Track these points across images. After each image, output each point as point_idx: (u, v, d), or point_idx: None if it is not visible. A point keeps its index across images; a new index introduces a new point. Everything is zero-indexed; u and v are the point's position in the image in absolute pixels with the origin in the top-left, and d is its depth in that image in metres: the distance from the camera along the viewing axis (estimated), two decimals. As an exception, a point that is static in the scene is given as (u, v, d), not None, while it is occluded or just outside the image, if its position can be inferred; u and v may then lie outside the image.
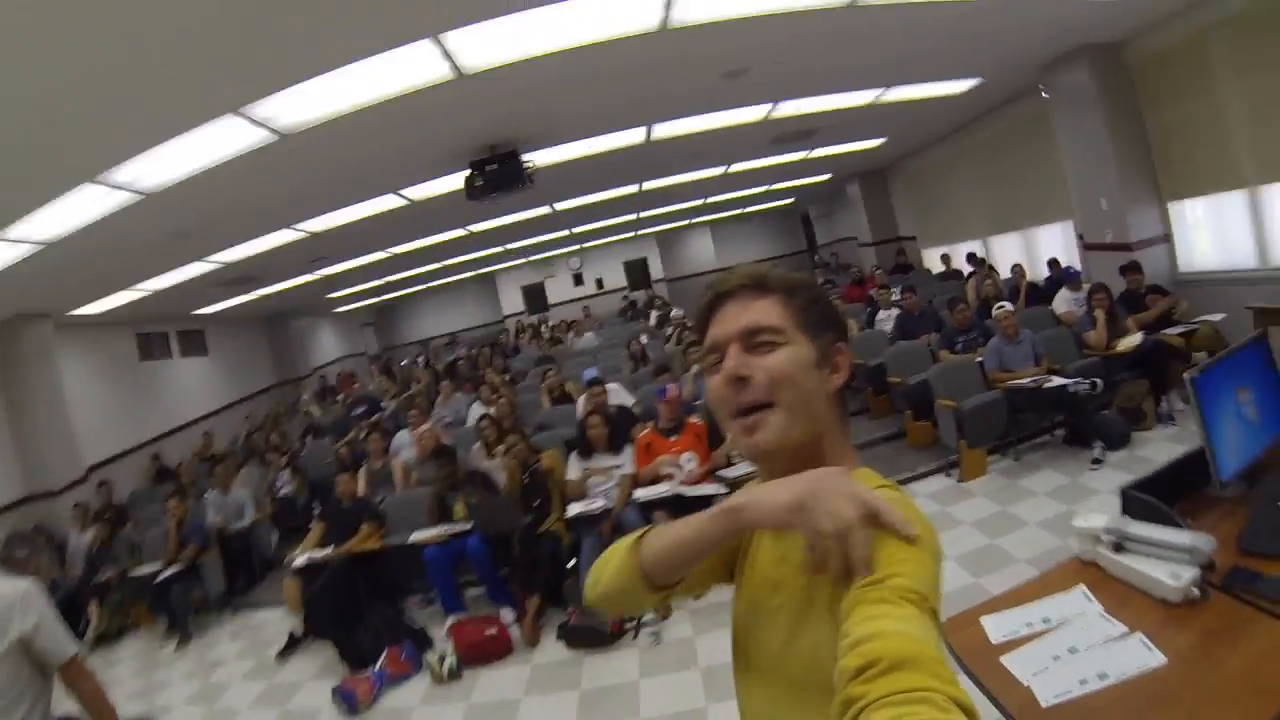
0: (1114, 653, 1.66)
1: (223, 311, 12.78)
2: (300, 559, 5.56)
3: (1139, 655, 1.63)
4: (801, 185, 15.37)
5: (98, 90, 3.92)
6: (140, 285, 8.98)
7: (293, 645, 5.40)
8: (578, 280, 20.44)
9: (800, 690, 0.92)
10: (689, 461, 5.37)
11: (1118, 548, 1.97)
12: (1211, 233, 7.54)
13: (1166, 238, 7.85)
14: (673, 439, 5.52)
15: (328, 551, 5.58)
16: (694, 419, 5.71)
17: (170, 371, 12.32)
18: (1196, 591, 1.77)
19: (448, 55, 4.65)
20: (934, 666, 0.64)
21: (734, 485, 5.12)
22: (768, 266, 1.09)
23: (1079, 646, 1.71)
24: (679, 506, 5.03)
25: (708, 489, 5.13)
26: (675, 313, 13.87)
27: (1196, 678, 1.55)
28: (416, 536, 5.46)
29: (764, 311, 1.01)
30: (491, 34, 4.51)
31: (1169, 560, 1.86)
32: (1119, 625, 1.76)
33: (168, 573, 6.34)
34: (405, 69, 4.74)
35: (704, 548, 0.97)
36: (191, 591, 6.38)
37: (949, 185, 12.59)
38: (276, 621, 6.02)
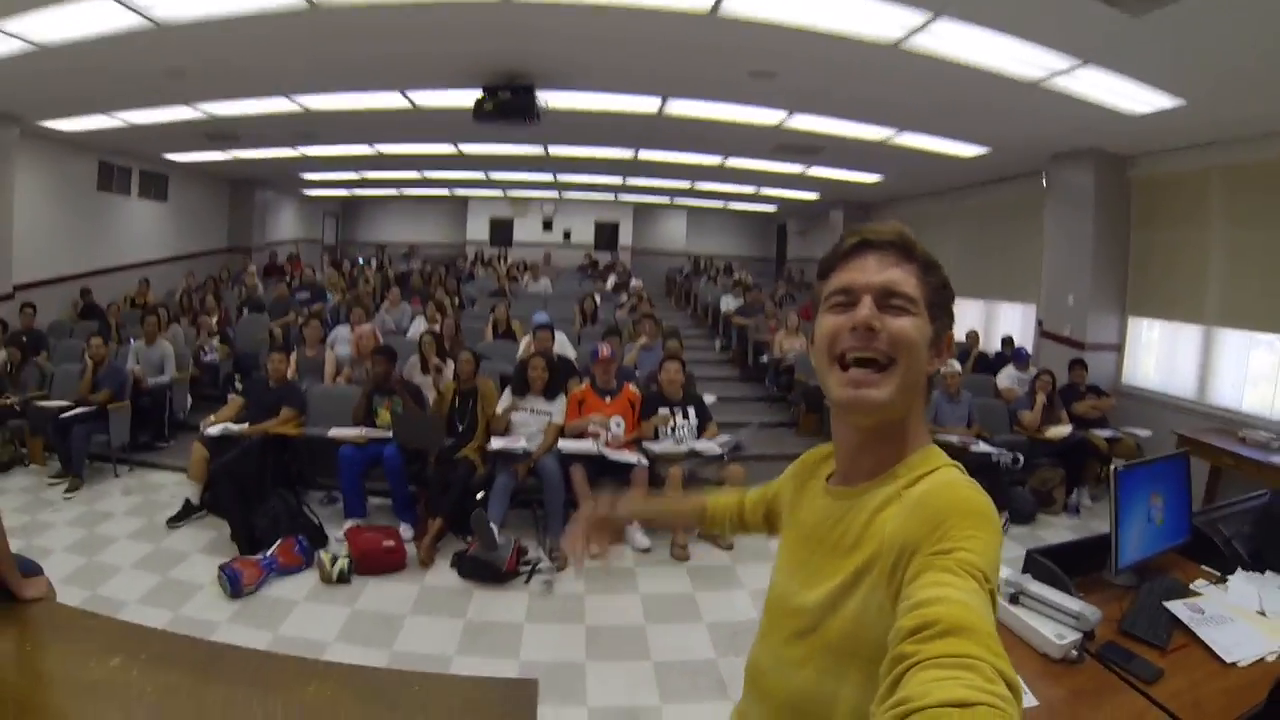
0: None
1: (192, 163, 12.41)
2: (215, 428, 5.47)
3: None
4: (788, 198, 15.54)
5: None
6: (119, 114, 8.66)
7: (186, 514, 5.31)
8: (547, 226, 20.41)
9: (835, 656, 0.93)
10: (618, 426, 5.50)
11: (1013, 600, 2.12)
12: (1160, 355, 7.94)
13: (1119, 347, 8.23)
14: (607, 400, 5.62)
15: (244, 427, 5.50)
16: (631, 386, 5.81)
17: (124, 209, 11.92)
18: (1075, 653, 1.95)
19: None
20: (987, 639, 0.66)
21: (655, 459, 5.31)
22: (912, 232, 1.08)
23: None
24: (599, 467, 5.13)
25: (628, 456, 5.27)
26: (635, 283, 13.92)
27: None
28: (336, 432, 5.46)
29: (905, 276, 1.01)
30: None
31: (1057, 621, 2.02)
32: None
33: (74, 411, 6.11)
34: None
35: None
36: (94, 437, 6.14)
37: (929, 239, 12.19)
38: (174, 486, 5.93)
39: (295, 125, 9.28)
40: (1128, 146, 7.62)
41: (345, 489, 5.36)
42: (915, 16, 4.80)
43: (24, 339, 7.55)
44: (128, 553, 4.79)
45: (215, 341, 8.42)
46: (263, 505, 4.95)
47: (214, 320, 8.83)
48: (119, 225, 11.85)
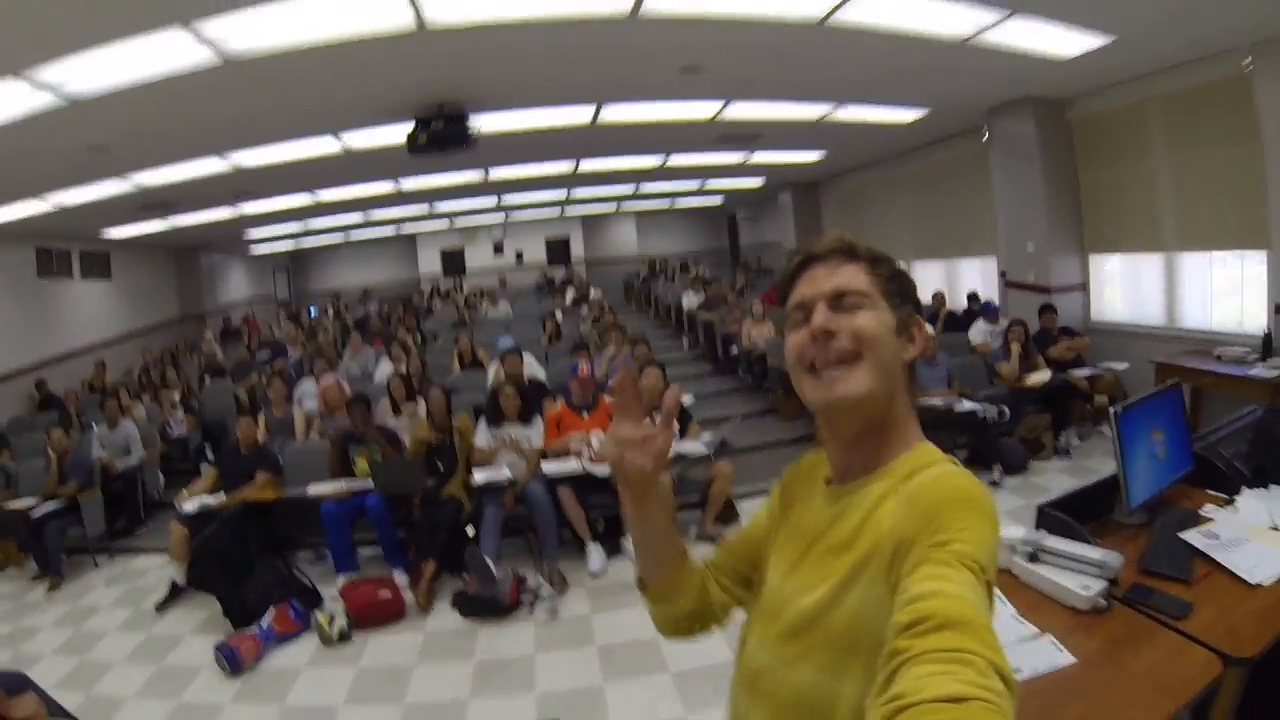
0: (1027, 651, 1.75)
1: (132, 237, 12.10)
2: (190, 503, 5.31)
3: (1050, 654, 1.73)
4: (734, 189, 15.58)
5: None
6: (50, 196, 8.44)
7: (174, 596, 5.16)
8: (498, 250, 20.42)
9: (836, 652, 0.92)
10: (599, 440, 5.39)
11: (1032, 558, 2.07)
12: (1125, 288, 8.02)
13: (1084, 286, 8.30)
14: (585, 416, 5.53)
15: (220, 498, 5.35)
16: (607, 398, 5.73)
17: (68, 292, 11.64)
18: (1103, 601, 1.90)
19: (414, 4, 4.53)
20: (982, 633, 0.65)
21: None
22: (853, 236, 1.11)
23: (994, 643, 1.79)
24: (587, 484, 5.04)
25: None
26: (594, 294, 13.87)
27: (1104, 676, 1.67)
28: (315, 489, 5.31)
29: (851, 275, 1.03)
30: None
31: (1079, 572, 1.98)
32: (1030, 627, 1.85)
33: (45, 508, 5.93)
34: (369, 12, 4.61)
35: (637, 525, 1.12)
36: (68, 531, 5.97)
37: (880, 207, 12.92)
38: (157, 569, 5.74)
39: (229, 183, 9.10)
40: (1063, 89, 7.67)
41: (333, 545, 5.25)
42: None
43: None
44: (119, 646, 4.63)
45: (180, 414, 8.23)
46: (251, 575, 4.80)
47: (176, 393, 8.65)
48: (65, 310, 11.57)
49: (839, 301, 1.01)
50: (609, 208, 18.44)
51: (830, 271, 1.05)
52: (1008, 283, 8.94)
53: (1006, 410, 5.94)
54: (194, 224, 11.76)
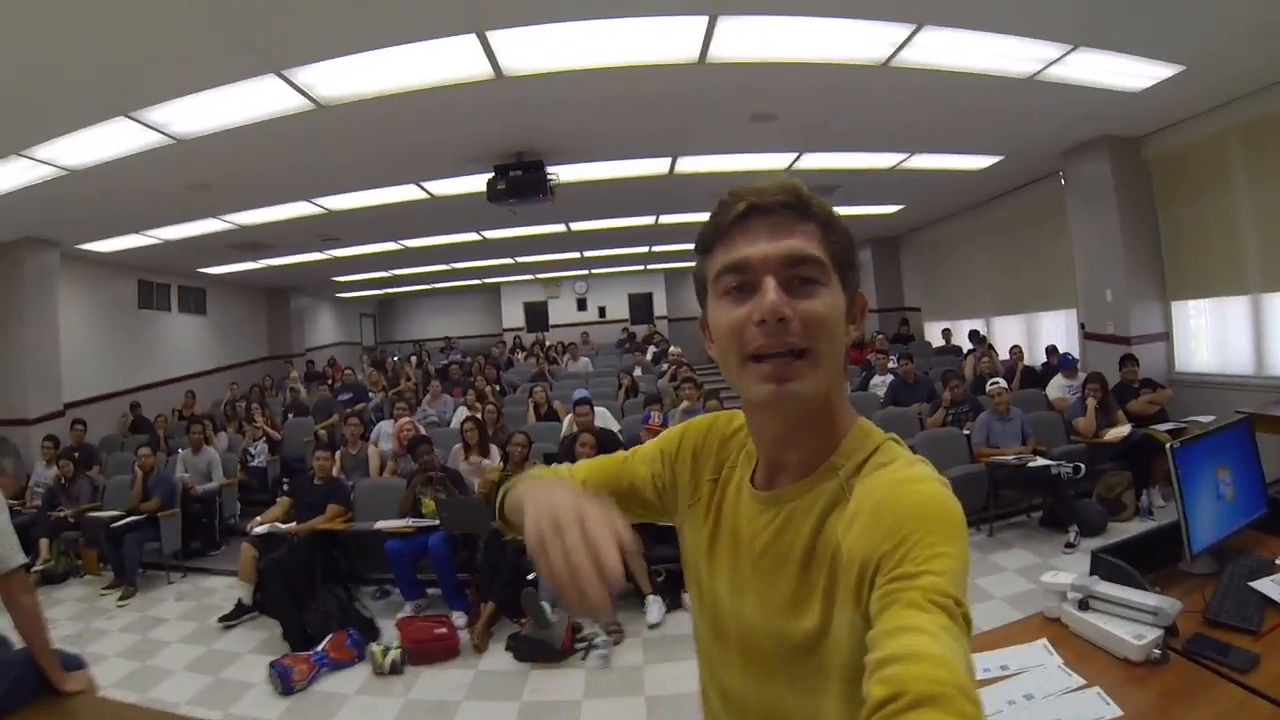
0: (1070, 703, 1.64)
1: (227, 275, 12.84)
2: (262, 527, 5.47)
3: (1095, 707, 1.61)
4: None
5: (149, 25, 3.95)
6: (152, 232, 9.01)
7: (238, 614, 5.28)
8: (581, 305, 20.50)
9: (813, 674, 0.85)
10: None
11: (1083, 605, 1.96)
12: (1210, 335, 7.62)
13: (1166, 335, 7.93)
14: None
15: (291, 525, 5.48)
16: (713, 408, 5.71)
17: (166, 324, 12.32)
18: (1158, 652, 1.77)
19: (490, 54, 4.75)
20: (961, 703, 0.60)
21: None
22: (798, 180, 0.91)
23: (1035, 694, 1.69)
24: (652, 535, 4.98)
25: None
26: (673, 350, 13.90)
27: None
28: (381, 525, 5.40)
29: (805, 241, 0.87)
30: (536, 40, 4.62)
31: (1133, 620, 1.85)
32: (1078, 678, 1.74)
33: (126, 521, 6.20)
34: (448, 61, 4.84)
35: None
36: (146, 545, 6.21)
37: (958, 261, 12.70)
38: (226, 590, 5.87)
39: (319, 228, 9.57)
40: (1137, 126, 7.43)
41: (398, 579, 5.33)
42: (898, 31, 4.82)
43: (75, 454, 7.68)
44: (179, 656, 4.77)
45: (262, 446, 8.51)
46: (314, 602, 4.90)
47: (260, 426, 8.94)
48: (162, 340, 12.23)
49: (791, 273, 0.86)
50: (691, 263, 18.37)
51: (779, 229, 0.87)
52: (1086, 335, 8.62)
53: (1083, 466, 5.67)
54: (285, 264, 12.35)
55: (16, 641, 2.40)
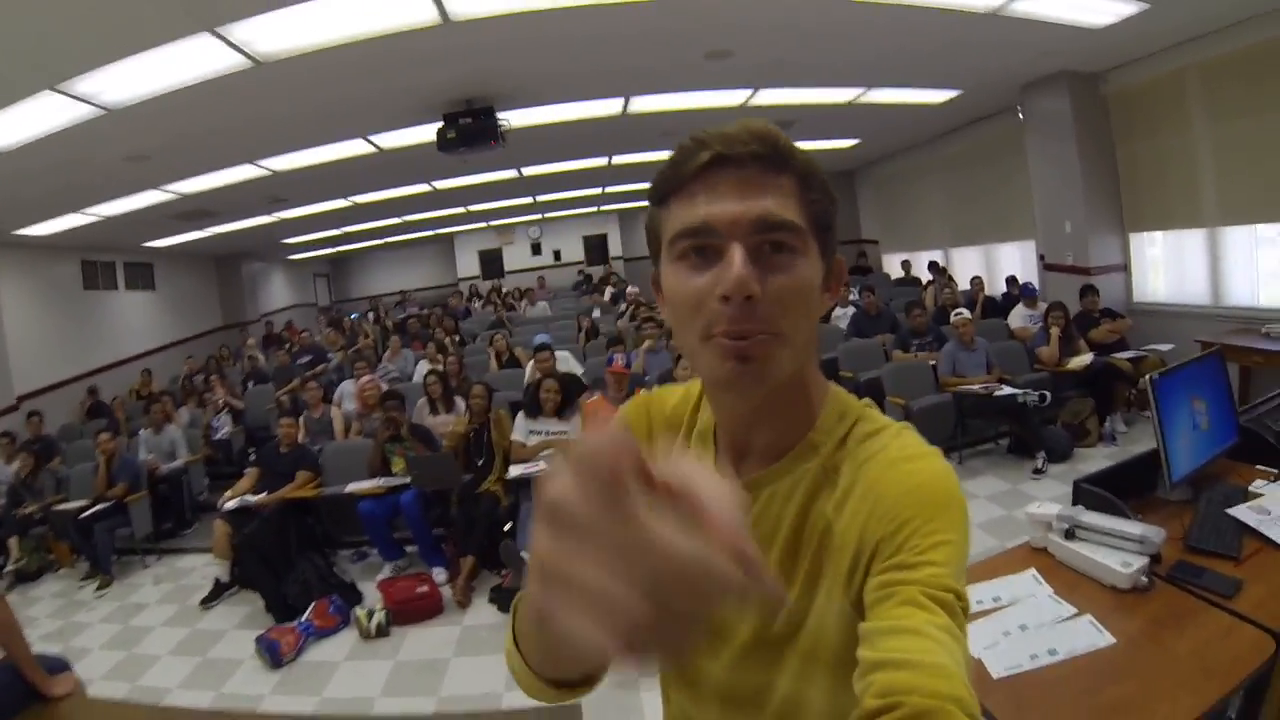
0: (1064, 632, 1.69)
1: (174, 246, 12.40)
2: (232, 501, 5.41)
3: (1089, 635, 1.66)
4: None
5: None
6: (91, 209, 8.66)
7: (218, 592, 5.24)
8: (535, 250, 20.34)
9: (798, 660, 0.79)
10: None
11: (1069, 535, 2.01)
12: (1167, 266, 7.80)
13: (1125, 267, 8.10)
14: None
15: (261, 497, 5.43)
16: (643, 392, 5.69)
17: (114, 304, 11.95)
18: (1145, 579, 1.83)
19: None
20: (955, 714, 0.57)
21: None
22: (774, 126, 0.78)
23: (1029, 624, 1.74)
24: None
25: None
26: (631, 290, 13.89)
27: (1145, 658, 1.60)
28: (352, 487, 5.37)
29: (781, 200, 0.75)
30: None
31: (1119, 549, 1.91)
32: (1069, 607, 1.79)
33: (94, 509, 6.06)
34: (391, 7, 4.65)
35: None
36: (117, 532, 6.10)
37: (916, 194, 12.76)
38: (202, 567, 5.83)
39: (265, 189, 9.26)
40: (1097, 62, 7.47)
41: (375, 541, 5.32)
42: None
43: (35, 447, 7.48)
44: (164, 640, 4.73)
45: (224, 418, 8.36)
46: (292, 572, 4.88)
47: (220, 398, 8.78)
48: (111, 320, 11.87)
49: (761, 239, 0.74)
50: (645, 202, 18.20)
51: (749, 186, 0.75)
52: (1046, 265, 8.76)
53: (1048, 395, 5.82)
54: (233, 231, 11.98)
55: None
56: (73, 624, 5.21)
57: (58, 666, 2.41)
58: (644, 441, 0.86)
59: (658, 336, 7.69)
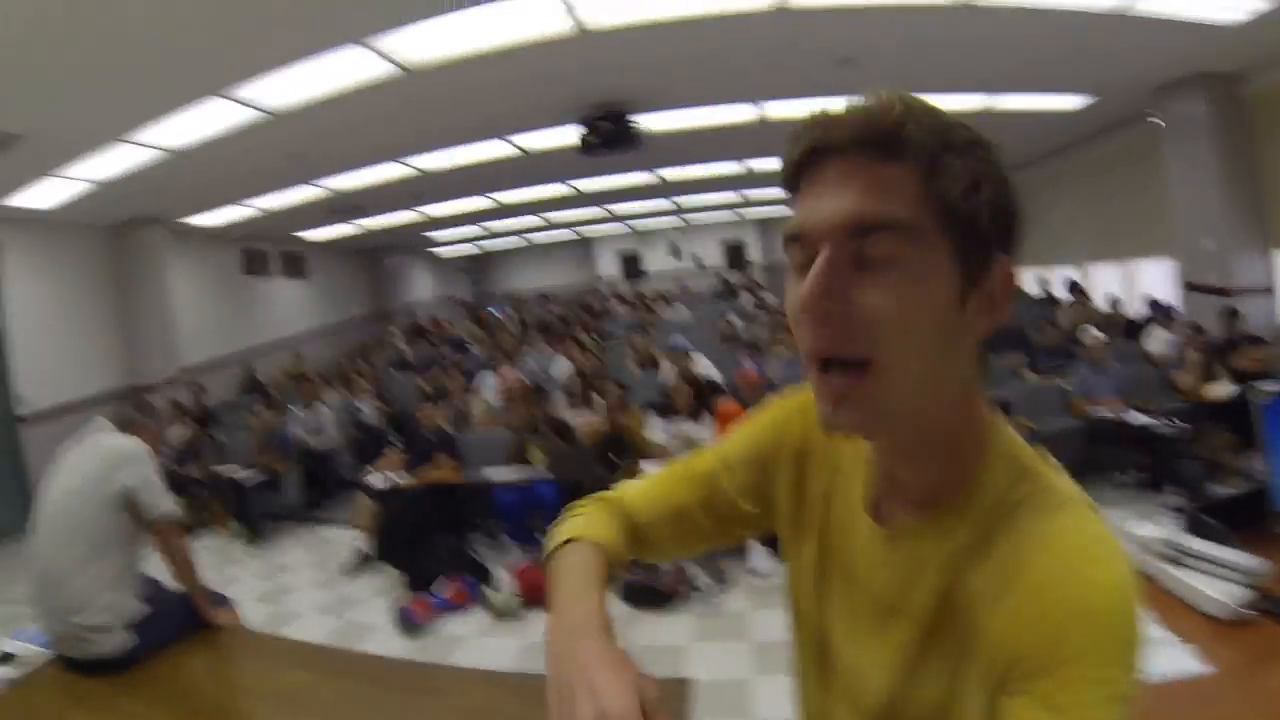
0: (1163, 658, 1.71)
1: (325, 239, 13.36)
2: (378, 479, 5.76)
3: (1184, 661, 1.69)
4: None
5: (232, 5, 4.19)
6: (251, 202, 9.48)
7: (360, 564, 5.59)
8: (675, 254, 20.51)
9: None
10: None
11: (1172, 561, 2.02)
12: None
13: (1270, 288, 7.57)
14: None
15: (405, 478, 5.75)
16: (799, 392, 5.75)
17: (270, 289, 13.00)
18: (1248, 611, 1.82)
19: (570, 10, 4.88)
20: None
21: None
22: (908, 99, 0.65)
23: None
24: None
25: None
26: (769, 298, 13.84)
27: (1241, 690, 1.61)
28: (493, 474, 5.63)
29: (885, 194, 0.62)
30: None
31: (1223, 579, 1.90)
32: (1168, 634, 1.81)
33: (246, 475, 6.63)
34: (529, 18, 4.99)
35: None
36: (269, 498, 6.68)
37: (1049, 206, 12.25)
38: (346, 540, 6.15)
39: (412, 187, 9.87)
40: (1235, 62, 6.94)
41: (510, 528, 5.61)
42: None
43: (197, 415, 8.26)
44: (309, 600, 5.17)
45: (370, 401, 8.89)
46: (430, 550, 5.16)
47: (366, 383, 9.33)
48: (267, 305, 12.93)
49: (857, 244, 0.63)
50: (784, 211, 17.96)
51: (847, 183, 0.64)
52: (1187, 285, 8.22)
53: (1183, 425, 5.54)
54: (379, 225, 12.77)
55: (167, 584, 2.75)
56: (225, 576, 5.68)
57: (221, 601, 2.80)
58: (795, 445, 0.91)
59: (792, 345, 7.68)
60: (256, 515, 6.56)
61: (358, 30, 4.82)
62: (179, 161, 6.75)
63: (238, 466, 6.92)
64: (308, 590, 5.36)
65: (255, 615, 4.75)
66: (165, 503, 2.65)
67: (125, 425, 2.86)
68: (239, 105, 5.75)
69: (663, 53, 5.84)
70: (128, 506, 2.56)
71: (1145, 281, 9.93)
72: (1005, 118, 8.62)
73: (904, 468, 0.74)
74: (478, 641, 4.36)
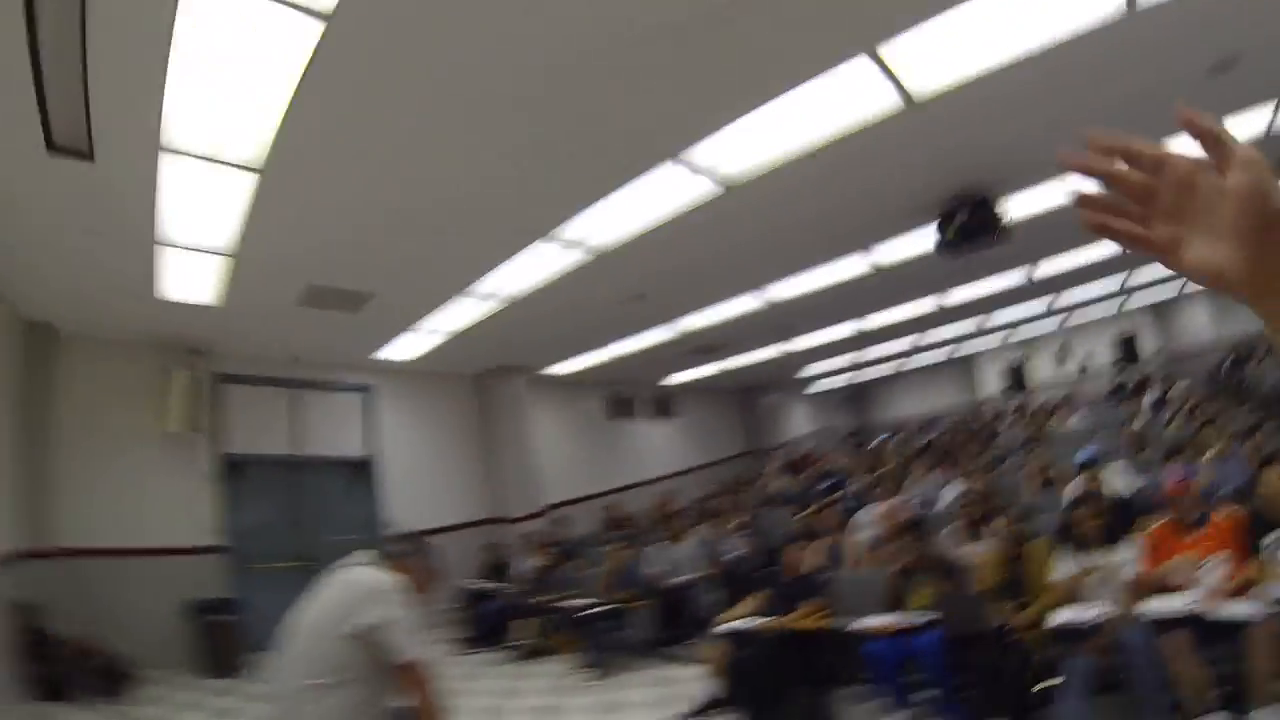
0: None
1: (691, 381, 13.77)
2: (725, 625, 5.33)
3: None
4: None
5: (545, 149, 4.30)
6: (605, 348, 9.99)
7: (706, 708, 5.11)
8: (1061, 360, 18.75)
9: None
10: (1216, 568, 3.94)
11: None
12: None
13: None
14: (1192, 536, 4.16)
15: (759, 622, 5.23)
16: (1221, 513, 4.24)
17: (635, 431, 13.67)
18: None
19: (891, 75, 4.13)
20: None
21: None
22: None
23: None
24: (1203, 630, 3.65)
25: (1241, 609, 3.63)
26: (1176, 390, 11.57)
27: None
28: (862, 623, 4.82)
29: None
30: (936, 41, 3.88)
31: None
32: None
33: (591, 609, 6.62)
34: (846, 99, 4.36)
35: None
36: (614, 632, 6.60)
37: None
38: (694, 680, 5.69)
39: (767, 320, 9.71)
40: None
41: (881, 684, 4.72)
42: None
43: (558, 545, 8.67)
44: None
45: (737, 538, 8.50)
46: (782, 703, 4.63)
47: (735, 519, 9.06)
48: (634, 446, 13.54)
49: None
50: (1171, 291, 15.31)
51: None
52: None
53: None
54: (745, 364, 12.88)
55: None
56: (558, 705, 5.61)
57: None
58: None
59: (1226, 439, 6.02)
60: (600, 646, 6.49)
61: (668, 148, 4.65)
62: (518, 310, 7.26)
63: (588, 599, 6.91)
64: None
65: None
66: (408, 647, 2.46)
67: (391, 560, 2.76)
68: (565, 246, 5.95)
69: (1012, 106, 4.77)
70: (369, 644, 2.42)
71: None
72: None
73: None
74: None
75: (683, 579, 7.41)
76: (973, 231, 6.33)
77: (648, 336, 9.65)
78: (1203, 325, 17.11)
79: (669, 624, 7.12)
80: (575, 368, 10.88)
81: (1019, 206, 6.54)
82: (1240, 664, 3.51)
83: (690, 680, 5.68)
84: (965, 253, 6.56)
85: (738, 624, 5.27)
